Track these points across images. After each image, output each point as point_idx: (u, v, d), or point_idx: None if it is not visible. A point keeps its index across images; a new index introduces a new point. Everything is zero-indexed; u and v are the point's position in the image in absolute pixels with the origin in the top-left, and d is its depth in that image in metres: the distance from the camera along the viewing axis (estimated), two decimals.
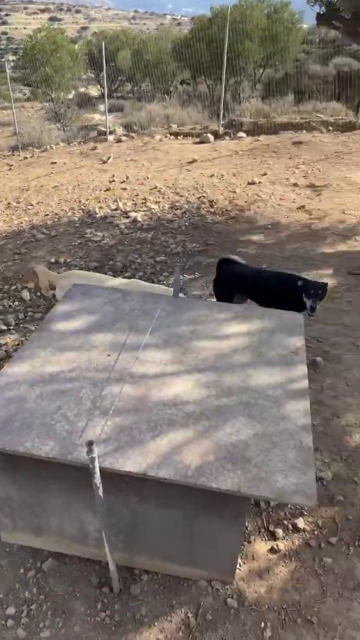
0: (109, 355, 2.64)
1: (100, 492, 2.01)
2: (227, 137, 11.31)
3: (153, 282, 5.39)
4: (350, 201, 7.23)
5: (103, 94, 14.42)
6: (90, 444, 1.85)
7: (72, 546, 2.62)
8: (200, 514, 2.28)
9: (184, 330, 2.90)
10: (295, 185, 8.07)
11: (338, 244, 6.09)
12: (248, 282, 4.04)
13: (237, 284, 4.08)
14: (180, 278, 5.55)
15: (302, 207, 7.22)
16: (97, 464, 1.92)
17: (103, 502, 2.05)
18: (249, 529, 2.80)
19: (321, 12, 6.26)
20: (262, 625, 2.35)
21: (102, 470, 1.98)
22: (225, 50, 11.16)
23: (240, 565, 2.61)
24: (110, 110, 15.54)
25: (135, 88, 23.23)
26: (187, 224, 7.03)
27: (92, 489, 2.00)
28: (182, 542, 2.43)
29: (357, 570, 2.58)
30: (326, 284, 3.75)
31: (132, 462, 2.04)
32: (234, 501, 2.17)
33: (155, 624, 2.39)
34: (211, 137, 11.30)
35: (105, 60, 12.66)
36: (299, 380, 2.59)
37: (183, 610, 2.43)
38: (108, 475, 2.05)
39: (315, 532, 2.79)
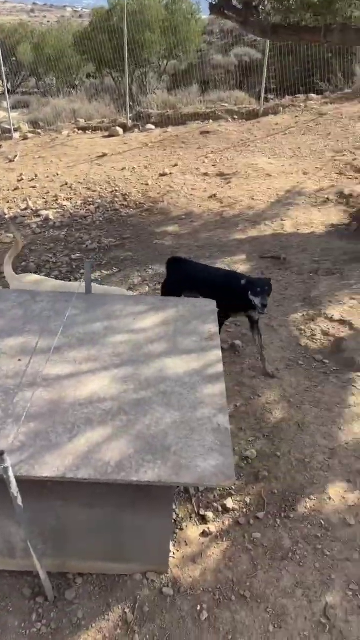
0: (19, 360, 2.55)
1: (19, 501, 1.95)
2: (136, 130, 11.25)
3: (70, 280, 5.27)
4: (258, 187, 7.46)
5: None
6: (0, 454, 1.78)
7: (1, 561, 2.52)
8: (126, 509, 2.28)
9: (98, 327, 2.86)
10: (205, 174, 8.20)
11: (249, 229, 6.27)
12: (197, 281, 4.03)
13: (186, 283, 4.04)
14: (98, 275, 5.48)
15: (214, 195, 7.35)
16: (11, 474, 1.85)
17: (23, 511, 1.99)
18: (180, 516, 2.84)
19: (214, 2, 6.36)
20: (198, 608, 2.40)
21: (18, 479, 1.92)
22: (126, 42, 11.06)
23: (173, 553, 2.64)
24: (15, 107, 14.94)
25: (40, 83, 22.48)
26: (101, 219, 6.93)
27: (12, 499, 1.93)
28: (113, 539, 2.41)
29: (284, 541, 2.69)
30: (269, 279, 3.77)
31: (49, 467, 1.99)
32: (158, 491, 2.18)
33: (93, 625, 2.36)
34: (120, 130, 11.20)
35: (5, 54, 12.12)
36: (214, 365, 2.64)
37: (120, 607, 2.42)
38: (27, 483, 1.98)
39: (244, 510, 2.87)
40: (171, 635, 2.29)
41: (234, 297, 3.72)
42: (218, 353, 2.74)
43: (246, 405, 3.61)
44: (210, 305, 3.17)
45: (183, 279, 4.07)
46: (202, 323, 2.97)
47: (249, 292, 3.63)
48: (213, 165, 8.57)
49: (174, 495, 2.90)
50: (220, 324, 3.85)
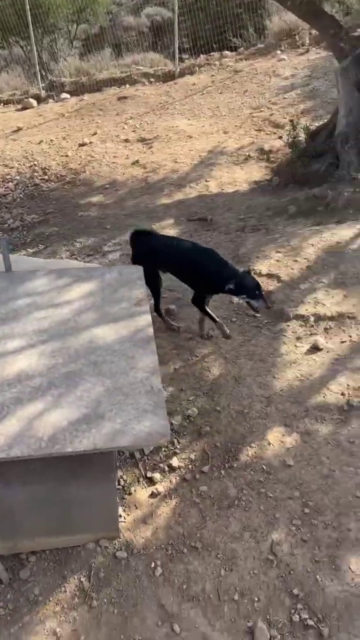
0: None
1: None
2: (50, 100, 10.76)
3: None
4: (180, 150, 7.39)
5: None
6: None
7: None
8: (68, 481, 2.27)
9: (20, 304, 2.77)
10: (126, 141, 8.02)
11: (174, 193, 6.23)
12: (168, 257, 3.74)
13: (156, 260, 3.73)
14: (24, 254, 5.29)
15: (136, 162, 7.22)
16: None
17: None
18: (127, 481, 2.87)
19: None
20: (152, 565, 2.46)
21: None
22: (27, 6, 10.44)
23: (124, 518, 2.68)
24: None
25: None
26: (21, 195, 6.66)
27: None
28: (60, 513, 2.41)
29: (229, 490, 2.79)
30: (247, 271, 3.63)
31: None
32: (97, 459, 2.19)
33: (50, 599, 2.37)
34: (34, 102, 10.67)
35: None
36: (144, 330, 2.64)
37: (76, 577, 2.44)
38: None
39: (190, 467, 2.95)
40: (128, 595, 2.35)
41: (208, 281, 3.61)
42: (147, 317, 2.74)
43: (185, 367, 3.65)
44: (137, 272, 3.14)
45: (151, 255, 3.74)
46: (130, 290, 2.95)
47: (244, 295, 3.52)
48: (133, 131, 8.38)
49: (118, 462, 2.93)
50: (203, 302, 3.80)
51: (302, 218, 5.28)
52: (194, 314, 4.11)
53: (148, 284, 3.76)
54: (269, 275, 4.43)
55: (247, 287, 3.50)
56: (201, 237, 5.21)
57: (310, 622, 2.16)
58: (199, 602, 2.29)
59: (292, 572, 2.37)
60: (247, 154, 7.01)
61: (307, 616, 2.18)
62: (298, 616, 2.19)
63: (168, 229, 5.46)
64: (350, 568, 2.35)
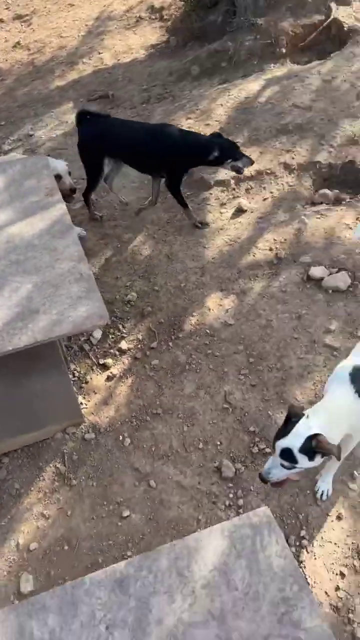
0: None
1: None
2: None
3: None
4: (63, 22, 6.58)
5: None
6: None
7: None
8: (20, 380, 2.30)
9: None
10: (0, 21, 7.02)
11: (67, 73, 5.66)
12: (122, 142, 3.38)
13: (106, 145, 3.41)
14: None
15: (17, 44, 6.41)
16: None
17: None
18: (82, 372, 2.94)
19: None
20: (121, 438, 2.62)
21: None
22: None
23: (86, 404, 2.78)
24: None
25: None
26: None
27: None
28: (23, 410, 2.47)
29: (180, 358, 2.93)
30: (218, 133, 3.41)
31: None
32: (44, 352, 2.20)
33: (32, 489, 2.52)
34: None
35: None
36: (61, 220, 2.53)
37: (51, 465, 2.58)
38: None
39: (139, 346, 3.04)
40: (103, 468, 2.52)
41: (196, 160, 3.35)
42: (62, 207, 2.62)
43: (115, 254, 3.60)
44: (41, 162, 2.94)
45: (99, 140, 3.40)
46: (37, 181, 2.78)
47: (229, 159, 3.28)
48: (6, 9, 7.31)
49: (69, 356, 2.98)
50: (180, 184, 3.48)
51: (206, 78, 4.99)
52: (114, 202, 3.97)
53: (90, 172, 3.52)
54: None
55: (230, 149, 3.30)
56: None
57: (268, 450, 2.42)
58: (168, 458, 2.51)
59: (246, 414, 2.60)
60: (137, 15, 6.35)
61: (264, 446, 2.45)
62: (257, 448, 2.45)
63: (69, 114, 5.04)
64: (296, 399, 2.60)
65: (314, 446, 1.72)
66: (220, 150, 3.24)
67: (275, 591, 1.29)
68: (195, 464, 2.46)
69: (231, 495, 2.30)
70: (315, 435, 1.73)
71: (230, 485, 2.34)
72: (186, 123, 4.43)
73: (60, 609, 1.32)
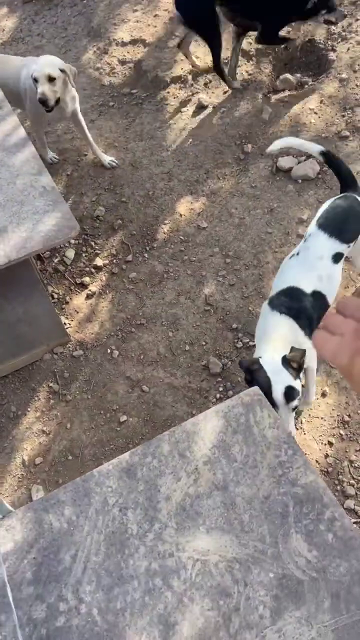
0: None
1: None
2: None
3: None
4: None
5: None
6: None
7: None
8: (2, 303, 2.28)
9: None
10: None
11: None
12: None
13: None
14: None
15: None
16: None
17: None
18: (60, 293, 2.92)
19: None
20: (109, 351, 2.66)
21: None
22: None
23: (69, 324, 2.79)
24: None
25: None
26: None
27: None
28: (7, 336, 2.47)
29: (157, 267, 2.91)
30: None
31: None
32: (19, 274, 2.17)
33: (28, 409, 2.58)
34: None
35: None
36: (14, 132, 2.39)
37: (44, 385, 2.63)
38: None
39: (114, 261, 3.00)
40: (95, 381, 2.59)
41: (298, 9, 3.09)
42: (14, 118, 2.47)
43: (77, 169, 3.45)
44: None
45: None
46: None
47: (324, 10, 3.07)
48: None
49: (45, 280, 2.94)
50: (275, 34, 3.26)
51: None
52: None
53: (208, 33, 3.18)
54: (134, 42, 3.96)
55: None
56: (46, 18, 4.44)
57: (252, 343, 2.50)
58: (157, 363, 2.57)
59: (228, 312, 2.64)
60: None
61: (247, 340, 2.52)
62: (240, 342, 2.53)
63: (4, 20, 4.58)
64: None
65: (294, 362, 1.71)
66: None
67: (271, 458, 1.38)
68: (184, 365, 2.54)
69: (221, 389, 2.40)
70: (284, 357, 1.73)
71: (219, 379, 2.44)
72: (133, 17, 4.08)
73: (74, 500, 1.41)
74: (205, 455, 1.42)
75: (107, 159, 3.35)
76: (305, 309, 1.85)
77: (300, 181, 2.96)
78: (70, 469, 2.37)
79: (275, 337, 1.84)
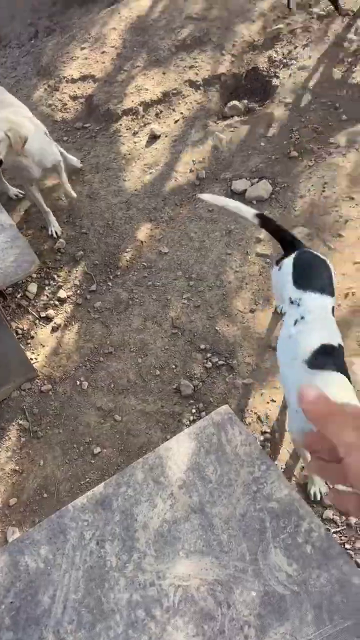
0: None
1: None
2: None
3: None
4: None
5: None
6: None
7: None
8: None
9: None
10: None
11: None
12: None
13: None
14: None
15: None
16: None
17: None
18: (25, 328, 2.89)
19: None
20: (78, 383, 2.64)
21: None
22: None
23: (36, 358, 2.76)
24: None
25: None
26: None
27: None
28: None
29: (121, 295, 2.92)
30: None
31: None
32: None
33: (0, 449, 2.52)
34: None
35: None
36: None
37: (14, 423, 2.58)
38: None
39: (78, 292, 3.00)
40: (66, 414, 2.55)
41: None
42: None
43: (35, 205, 3.45)
44: None
45: None
46: None
47: None
48: None
49: (8, 316, 2.91)
50: None
51: (93, 3, 4.66)
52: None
53: None
54: (83, 78, 4.04)
55: None
56: None
57: (221, 362, 2.52)
58: (128, 391, 2.56)
59: (195, 334, 2.67)
60: None
61: (217, 359, 2.54)
62: (210, 362, 2.54)
63: None
64: (238, 310, 2.69)
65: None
66: None
67: (245, 475, 1.38)
68: (155, 390, 2.53)
69: (194, 410, 2.40)
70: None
71: (192, 401, 2.44)
72: (82, 54, 4.18)
73: (49, 538, 1.37)
74: (180, 479, 1.42)
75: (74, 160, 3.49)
76: (343, 361, 1.82)
77: (255, 202, 3.05)
78: (46, 507, 2.31)
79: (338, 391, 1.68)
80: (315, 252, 2.03)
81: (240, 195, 3.10)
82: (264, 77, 3.61)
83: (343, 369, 1.71)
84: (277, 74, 3.56)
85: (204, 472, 1.42)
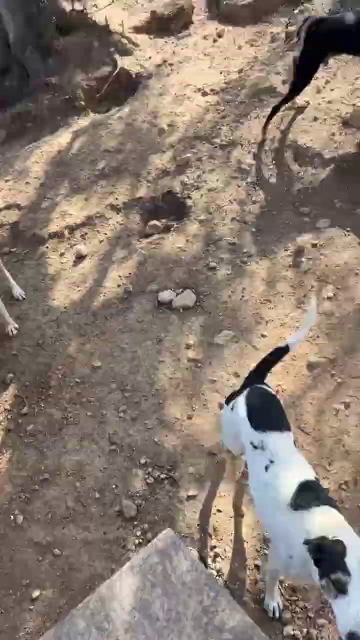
0: None
1: None
2: None
3: None
4: None
5: None
6: None
7: None
8: None
9: None
10: None
11: None
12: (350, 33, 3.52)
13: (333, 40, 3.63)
14: None
15: None
16: None
17: None
18: None
19: None
20: (12, 517, 2.44)
21: None
22: None
23: None
24: None
25: None
26: None
27: None
28: None
29: (55, 415, 2.84)
30: None
31: None
32: None
33: None
34: None
35: None
36: None
37: None
38: None
39: (8, 416, 2.89)
40: (0, 554, 2.31)
41: None
42: None
43: None
44: None
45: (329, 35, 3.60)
46: None
47: None
48: None
49: None
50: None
51: (16, 141, 5.03)
52: None
53: (305, 71, 3.70)
54: (8, 207, 4.22)
55: None
56: None
57: (163, 475, 2.44)
58: (67, 520, 2.39)
59: (134, 448, 2.59)
60: None
61: (158, 473, 2.46)
62: (152, 477, 2.46)
63: None
64: (176, 418, 2.67)
65: None
66: None
67: (195, 605, 1.30)
68: (96, 515, 2.38)
69: (139, 533, 2.27)
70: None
71: (136, 523, 2.31)
72: (6, 185, 4.41)
73: None
74: (126, 621, 1.30)
75: (18, 290, 3.49)
76: (324, 492, 1.79)
77: (181, 310, 3.18)
78: None
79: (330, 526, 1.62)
80: (262, 386, 2.05)
81: (167, 305, 3.23)
82: (178, 198, 3.94)
83: (327, 500, 1.69)
84: (190, 195, 3.91)
85: (151, 609, 1.31)
